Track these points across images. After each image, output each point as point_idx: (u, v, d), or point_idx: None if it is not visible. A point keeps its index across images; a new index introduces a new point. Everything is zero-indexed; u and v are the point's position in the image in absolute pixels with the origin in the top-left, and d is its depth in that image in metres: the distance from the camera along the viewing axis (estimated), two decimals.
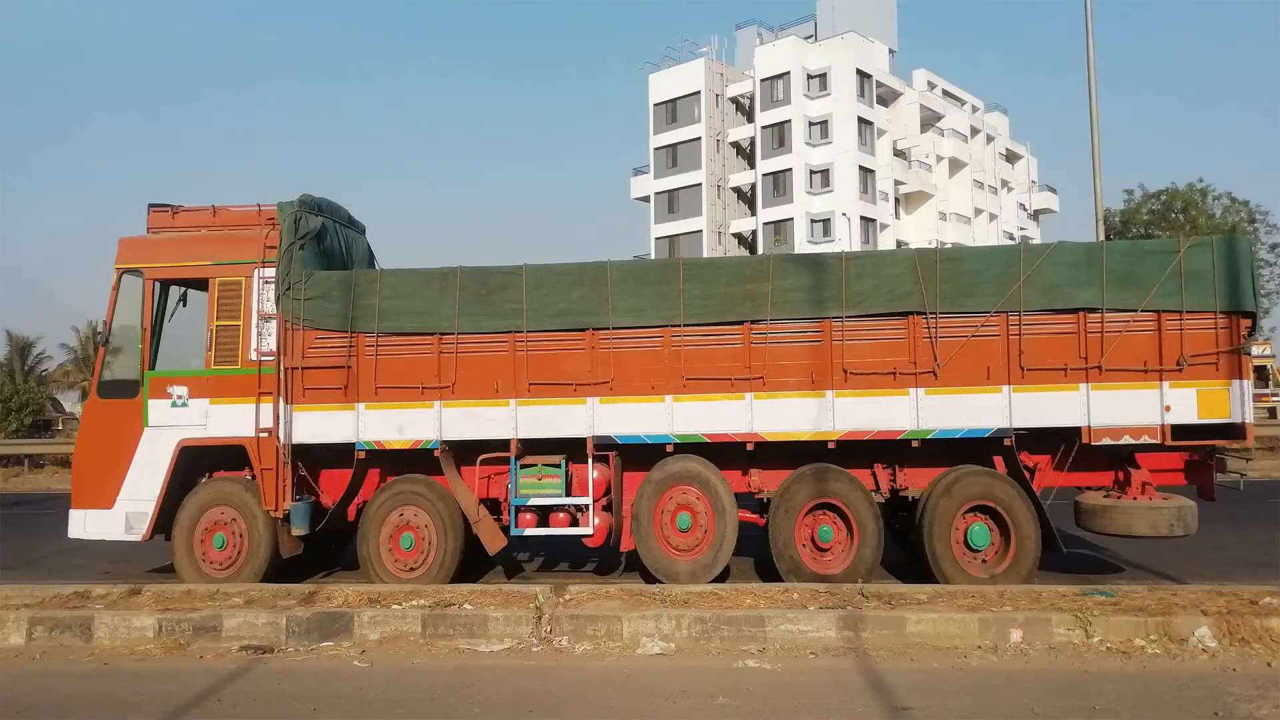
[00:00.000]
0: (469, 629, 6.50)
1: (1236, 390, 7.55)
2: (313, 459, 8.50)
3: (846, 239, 48.19)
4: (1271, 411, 26.08)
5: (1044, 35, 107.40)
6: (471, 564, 8.87)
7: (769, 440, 7.95)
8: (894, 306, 7.83)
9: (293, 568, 9.03)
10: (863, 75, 52.89)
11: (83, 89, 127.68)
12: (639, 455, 8.27)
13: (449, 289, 8.19)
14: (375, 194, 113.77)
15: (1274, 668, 5.52)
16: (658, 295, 8.05)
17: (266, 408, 8.28)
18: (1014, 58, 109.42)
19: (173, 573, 8.61)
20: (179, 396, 8.47)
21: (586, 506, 8.17)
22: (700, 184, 55.27)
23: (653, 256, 53.09)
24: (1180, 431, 7.63)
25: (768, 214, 53.49)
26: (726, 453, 8.19)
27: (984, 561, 7.86)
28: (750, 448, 8.01)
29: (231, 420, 8.37)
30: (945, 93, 60.89)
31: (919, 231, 55.59)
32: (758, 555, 9.03)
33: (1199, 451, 7.98)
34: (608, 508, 8.32)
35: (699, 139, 55.51)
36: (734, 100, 57.22)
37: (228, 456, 8.66)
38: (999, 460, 8.12)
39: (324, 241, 8.87)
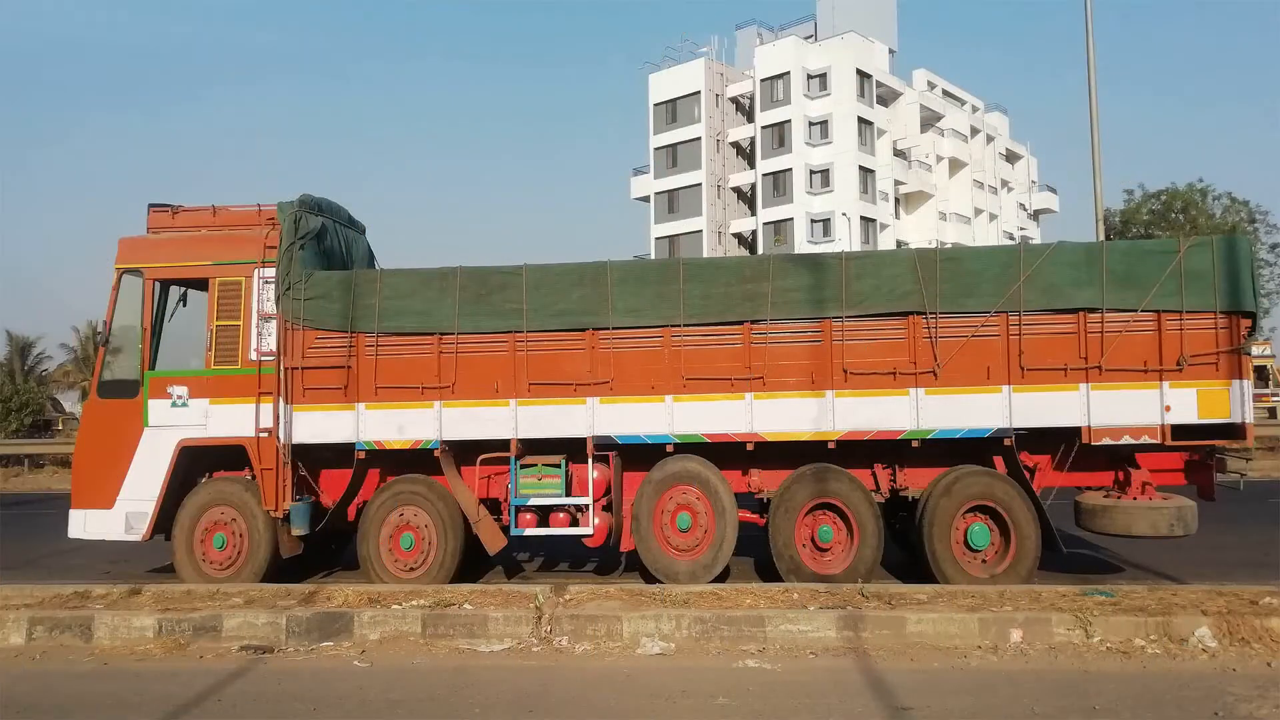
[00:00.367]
0: (469, 629, 6.50)
1: (1236, 390, 7.55)
2: (313, 459, 8.50)
3: (846, 239, 48.20)
4: (1271, 411, 26.09)
5: (1044, 35, 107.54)
6: (471, 564, 8.87)
7: (769, 440, 7.95)
8: (894, 306, 7.83)
9: (293, 568, 9.03)
10: (863, 75, 52.89)
11: (83, 89, 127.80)
12: (639, 455, 8.27)
13: (449, 289, 8.19)
14: (375, 194, 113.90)
15: (1274, 668, 5.52)
16: (658, 295, 8.05)
17: (266, 408, 8.28)
18: (1014, 58, 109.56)
19: (173, 573, 8.61)
20: (179, 396, 8.47)
21: (586, 506, 8.17)
22: (700, 184, 55.28)
23: (653, 256, 53.10)
24: (1180, 431, 7.62)
25: (768, 214, 53.50)
26: (726, 453, 8.19)
27: (984, 561, 7.86)
28: (750, 448, 8.01)
29: (231, 420, 8.37)
30: (945, 93, 60.89)
31: (919, 231, 55.59)
32: (758, 555, 9.03)
33: (1199, 451, 7.98)
34: (608, 508, 8.32)
35: (699, 139, 55.52)
36: (734, 100, 57.22)
37: (228, 456, 8.65)
38: (999, 460, 8.12)
39: (324, 241, 8.87)
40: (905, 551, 9.17)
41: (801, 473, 8.05)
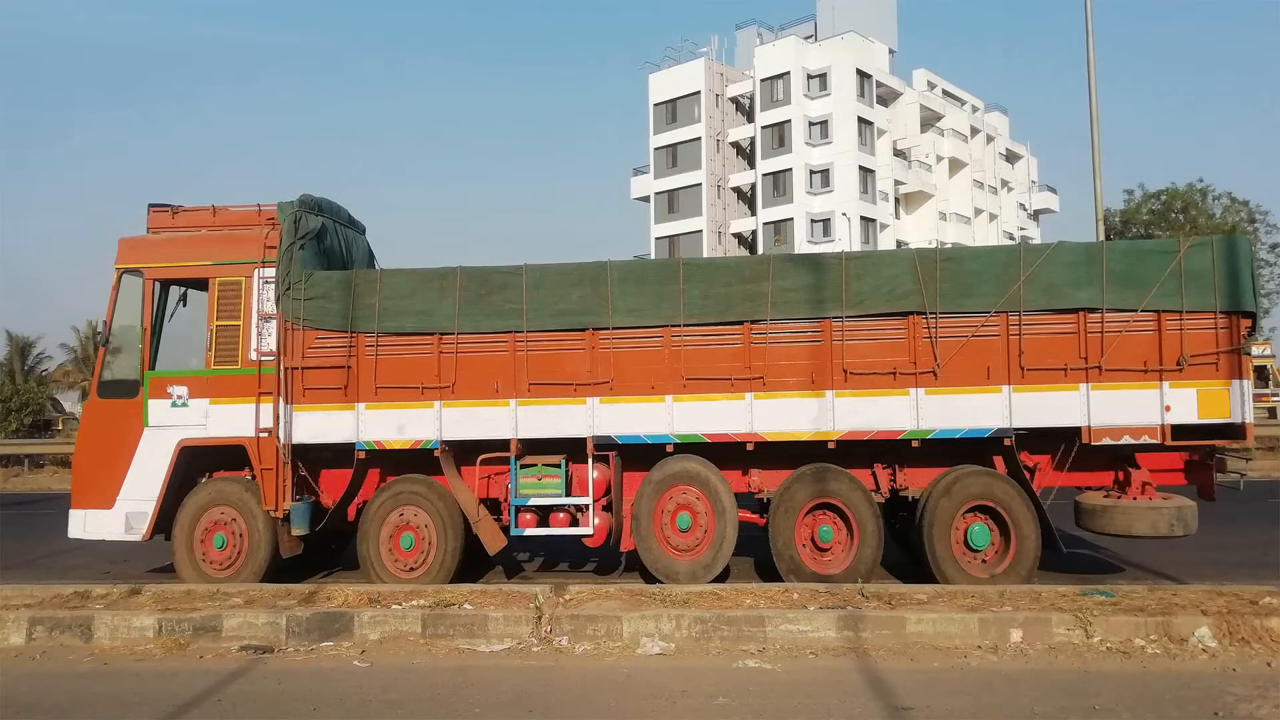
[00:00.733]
0: (469, 629, 6.50)
1: (1236, 390, 7.55)
2: (313, 459, 8.50)
3: (846, 239, 48.20)
4: (1271, 411, 26.09)
5: (1044, 35, 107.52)
6: (471, 564, 8.87)
7: (769, 440, 7.95)
8: (894, 306, 7.83)
9: (293, 568, 9.03)
10: (863, 75, 52.87)
11: (82, 89, 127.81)
12: (639, 455, 8.27)
13: (449, 289, 8.19)
14: (375, 194, 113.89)
15: (1274, 668, 5.51)
16: (658, 295, 8.04)
17: (266, 408, 8.28)
18: (1014, 58, 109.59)
19: (173, 573, 8.61)
20: (179, 396, 8.46)
21: (586, 506, 8.17)
22: (700, 184, 55.26)
23: (653, 256, 53.10)
24: (1180, 431, 7.63)
25: (768, 214, 53.49)
26: (726, 453, 8.19)
27: (984, 561, 7.86)
28: (750, 448, 8.01)
29: (231, 420, 8.37)
30: (945, 93, 60.87)
31: (919, 231, 55.59)
32: (758, 555, 9.03)
33: (1199, 451, 7.98)
34: (608, 508, 8.32)
35: (699, 139, 55.49)
36: (734, 100, 57.21)
37: (228, 456, 8.65)
38: (999, 460, 8.12)
39: (324, 241, 8.87)
40: (905, 551, 9.17)
41: (801, 473, 8.05)
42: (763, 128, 54.02)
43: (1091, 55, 16.97)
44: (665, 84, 56.70)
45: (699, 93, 55.42)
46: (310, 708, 5.24)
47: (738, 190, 56.89)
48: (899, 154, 55.84)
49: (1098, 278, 7.62)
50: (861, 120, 52.38)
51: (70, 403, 45.91)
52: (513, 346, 8.15)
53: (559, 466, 8.21)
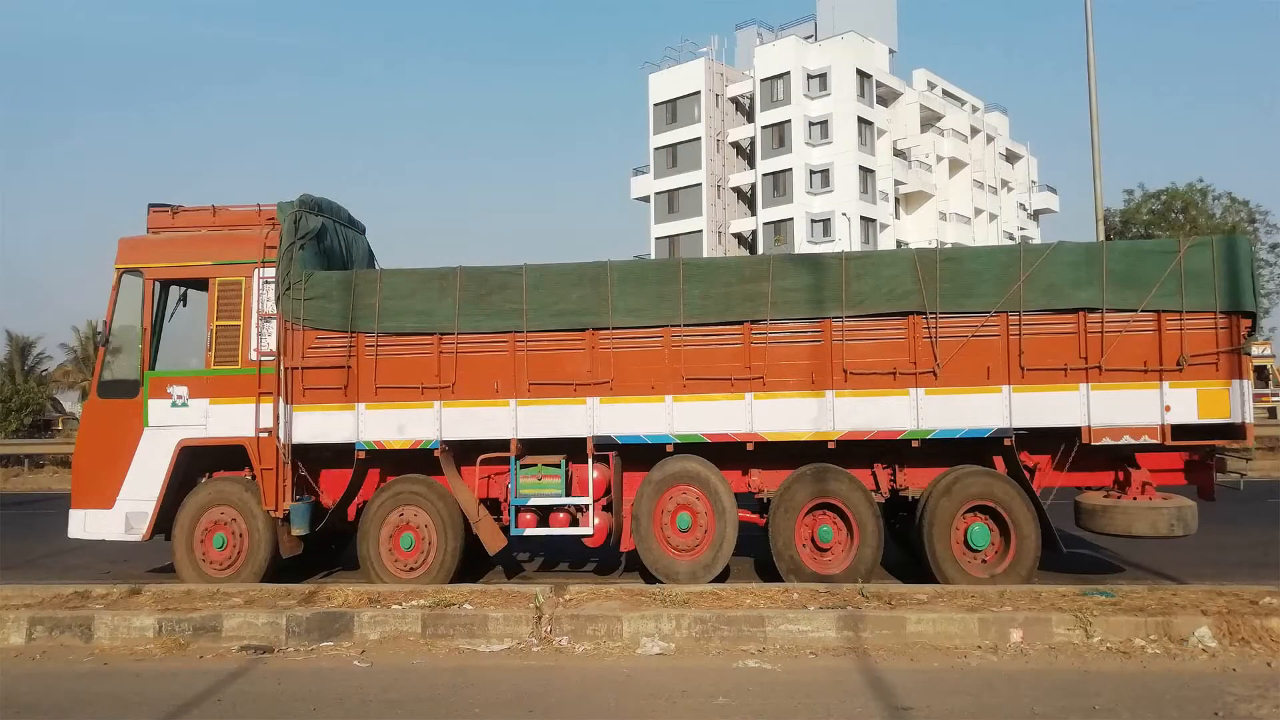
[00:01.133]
0: (469, 629, 6.50)
1: (1236, 390, 7.55)
2: (313, 459, 8.50)
3: (846, 239, 48.19)
4: (1271, 411, 26.09)
5: (1044, 35, 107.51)
6: (471, 564, 8.87)
7: (769, 440, 7.95)
8: (894, 306, 7.83)
9: (293, 568, 9.03)
10: (863, 75, 52.87)
11: (83, 89, 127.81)
12: (639, 455, 8.27)
13: (449, 289, 8.19)
14: (375, 194, 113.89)
15: (1274, 668, 5.51)
16: (658, 295, 8.04)
17: (266, 408, 8.28)
18: (1014, 58, 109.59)
19: (173, 573, 8.61)
20: (179, 396, 8.46)
21: (586, 506, 8.17)
22: (700, 184, 55.26)
23: (653, 256, 53.09)
24: (1180, 431, 7.63)
25: (768, 214, 53.48)
26: (726, 453, 8.19)
27: (984, 561, 7.86)
28: (750, 448, 8.01)
29: (231, 420, 8.37)
30: (945, 93, 60.87)
31: (919, 231, 55.58)
32: (758, 555, 9.03)
33: (1199, 451, 7.98)
34: (608, 508, 8.32)
35: (699, 139, 55.49)
36: (734, 100, 57.20)
37: (228, 456, 8.65)
38: (999, 460, 8.12)
39: (324, 241, 8.87)
40: (905, 551, 9.17)
41: (801, 473, 8.04)
42: (763, 128, 54.03)
43: (1091, 55, 16.98)
44: (665, 84, 56.70)
45: (699, 93, 55.42)
46: (310, 708, 5.24)
47: (738, 190, 56.88)
48: (899, 154, 55.83)
49: (1098, 278, 7.62)
50: (861, 120, 52.38)
51: (70, 403, 45.91)
52: (513, 346, 8.14)
53: (559, 466, 8.21)
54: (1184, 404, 7.58)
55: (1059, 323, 7.72)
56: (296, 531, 8.30)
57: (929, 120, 57.99)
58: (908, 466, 8.25)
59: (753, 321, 7.95)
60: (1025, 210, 66.83)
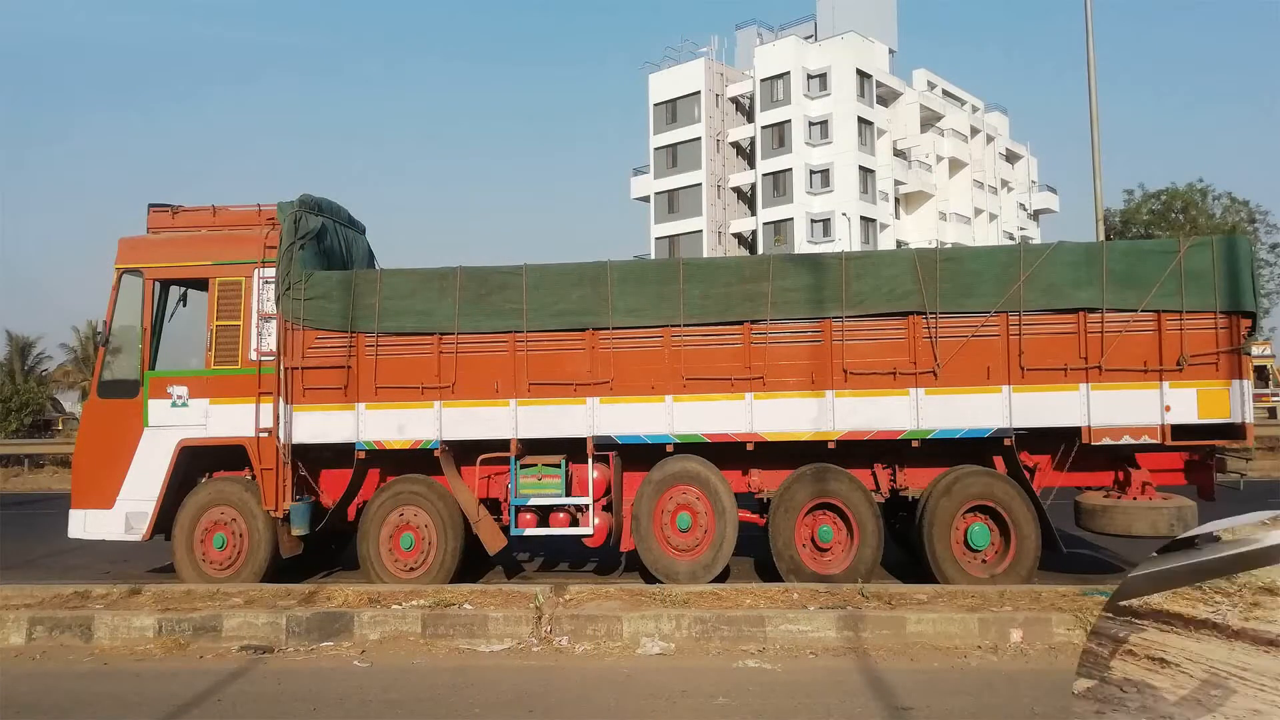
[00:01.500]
0: (469, 629, 6.50)
1: (1236, 390, 7.55)
2: (313, 459, 8.50)
3: (846, 239, 48.17)
4: (1271, 411, 26.06)
5: (1044, 35, 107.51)
6: (471, 564, 8.87)
7: (769, 440, 7.95)
8: (894, 306, 7.83)
9: (293, 568, 9.02)
10: (863, 75, 52.84)
11: (83, 89, 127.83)
12: (639, 455, 8.27)
13: (449, 289, 8.19)
14: (375, 194, 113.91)
15: None
16: (658, 295, 8.04)
17: (266, 408, 8.28)
18: (1014, 58, 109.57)
19: (173, 573, 8.61)
20: (179, 396, 8.46)
21: (586, 506, 8.17)
22: (700, 184, 55.24)
23: (653, 256, 53.07)
24: (1180, 431, 7.63)
25: (768, 214, 53.47)
26: (726, 453, 8.19)
27: (984, 561, 7.86)
28: (750, 448, 8.01)
29: (231, 420, 8.37)
30: (945, 93, 60.85)
31: (919, 231, 55.56)
32: (758, 555, 9.03)
33: (1199, 451, 7.98)
34: (608, 508, 8.32)
35: (699, 139, 55.46)
36: (734, 100, 57.18)
37: (228, 456, 8.65)
38: (999, 460, 8.12)
39: (324, 241, 8.87)
40: (905, 551, 9.17)
41: (801, 473, 8.04)
42: (763, 128, 54.01)
43: (1091, 55, 16.97)
44: (665, 84, 56.68)
45: (699, 93, 55.39)
46: (310, 708, 5.24)
47: (738, 190, 56.87)
48: (899, 154, 55.82)
49: (1098, 278, 7.62)
50: (861, 120, 52.36)
51: (70, 403, 45.87)
52: (513, 346, 8.14)
53: (559, 466, 8.21)
54: (1184, 404, 7.58)
55: (1059, 323, 7.72)
56: (296, 531, 8.30)
57: (929, 120, 57.97)
58: (908, 466, 8.25)
59: (753, 321, 7.95)
60: (1025, 210, 66.81)
